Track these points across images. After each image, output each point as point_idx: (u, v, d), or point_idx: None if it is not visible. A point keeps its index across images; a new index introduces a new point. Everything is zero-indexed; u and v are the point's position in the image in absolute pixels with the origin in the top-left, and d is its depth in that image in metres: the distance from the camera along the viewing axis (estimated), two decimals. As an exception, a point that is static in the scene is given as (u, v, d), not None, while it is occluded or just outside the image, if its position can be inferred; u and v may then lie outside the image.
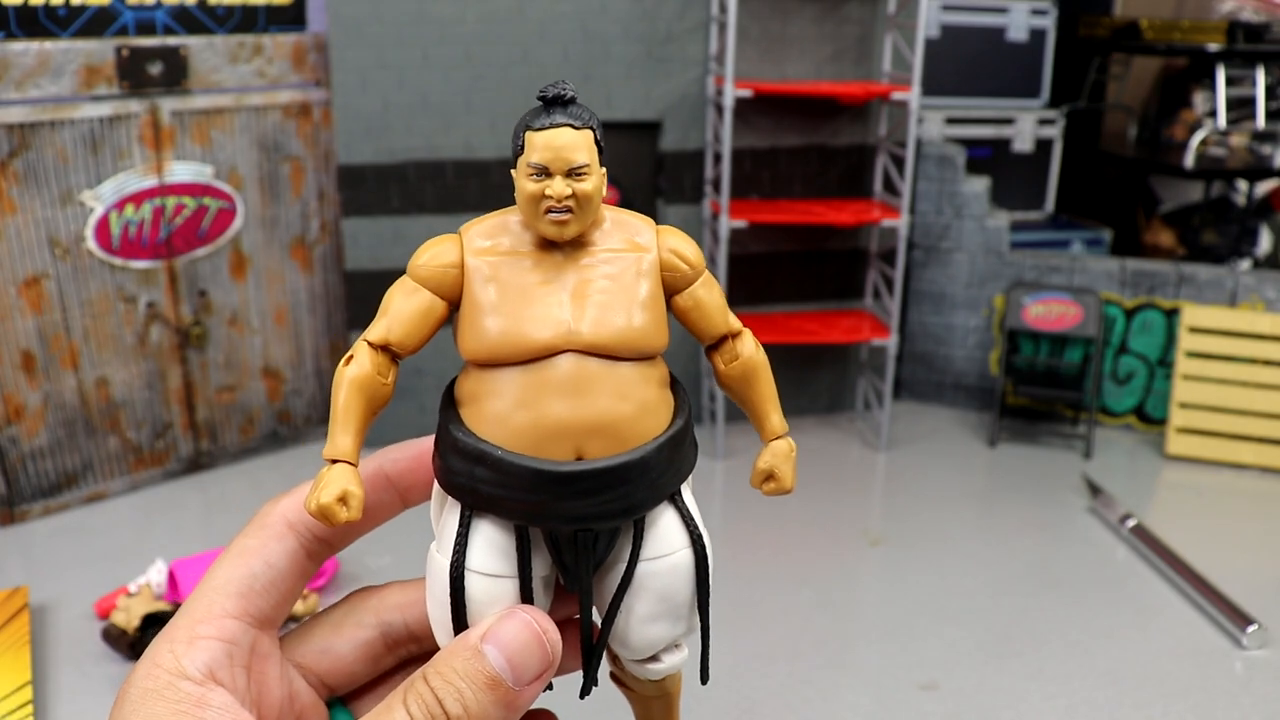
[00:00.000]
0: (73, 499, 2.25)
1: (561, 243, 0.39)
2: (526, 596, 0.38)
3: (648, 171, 2.64)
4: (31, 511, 2.19)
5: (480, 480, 0.37)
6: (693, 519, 0.40)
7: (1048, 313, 2.65)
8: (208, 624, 0.39)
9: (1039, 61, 3.03)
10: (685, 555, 0.40)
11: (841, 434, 2.74)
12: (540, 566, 0.39)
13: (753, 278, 2.71)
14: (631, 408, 0.38)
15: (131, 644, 1.65)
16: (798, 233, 2.72)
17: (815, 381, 2.85)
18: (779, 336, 2.57)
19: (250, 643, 0.40)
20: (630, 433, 0.38)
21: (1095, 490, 2.34)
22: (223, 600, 0.39)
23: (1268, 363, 2.54)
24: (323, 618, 0.44)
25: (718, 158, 2.53)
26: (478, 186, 2.50)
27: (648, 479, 0.38)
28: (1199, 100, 3.11)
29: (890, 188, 2.67)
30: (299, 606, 1.71)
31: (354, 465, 0.38)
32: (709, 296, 0.42)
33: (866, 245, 2.77)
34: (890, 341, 2.56)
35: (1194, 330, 2.60)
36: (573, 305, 0.38)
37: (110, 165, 2.15)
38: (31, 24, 2.03)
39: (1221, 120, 2.96)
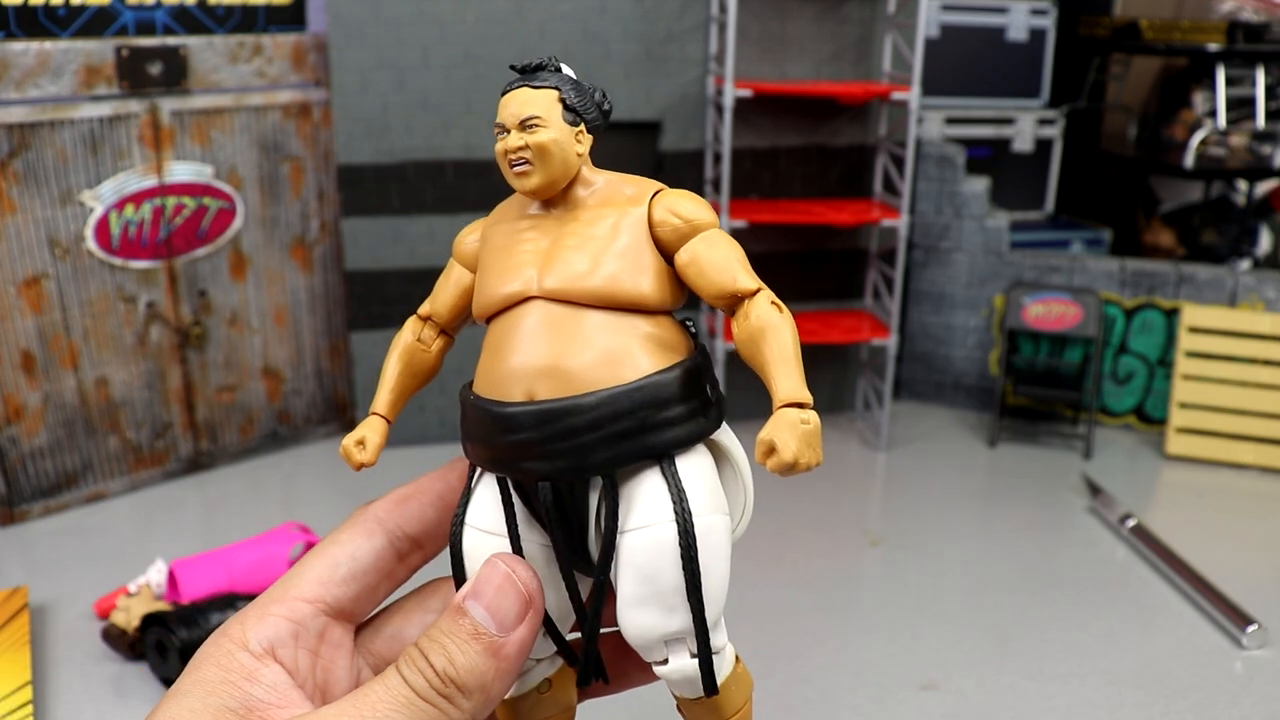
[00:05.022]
0: (73, 499, 2.25)
1: (554, 204, 0.40)
2: (516, 552, 0.38)
3: (647, 172, 2.63)
4: (31, 511, 2.19)
5: (466, 434, 0.39)
6: (681, 491, 0.37)
7: (1048, 313, 2.65)
8: (281, 604, 0.39)
9: (1039, 61, 3.03)
10: (667, 530, 0.37)
11: (841, 434, 2.74)
12: (534, 532, 0.39)
13: (753, 278, 2.71)
14: (592, 355, 0.37)
15: (131, 644, 1.65)
16: (798, 233, 2.72)
17: (815, 381, 2.85)
18: (779, 336, 2.57)
19: (320, 629, 0.40)
20: (583, 379, 0.36)
21: (1095, 490, 2.34)
22: (300, 584, 0.40)
23: (1268, 363, 2.54)
24: (395, 607, 0.45)
25: (718, 158, 2.53)
26: (478, 186, 2.50)
27: (601, 431, 0.36)
28: (1199, 100, 3.11)
29: (890, 188, 2.67)
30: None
31: (385, 418, 0.42)
32: (709, 252, 0.39)
33: (866, 245, 2.77)
34: (890, 341, 2.56)
35: (1194, 330, 2.60)
36: (544, 258, 0.38)
37: (110, 165, 2.15)
38: (31, 24, 2.03)
39: (1221, 120, 2.96)
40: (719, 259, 0.39)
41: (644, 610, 0.37)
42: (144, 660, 1.66)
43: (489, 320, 0.40)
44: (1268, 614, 1.86)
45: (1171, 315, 2.67)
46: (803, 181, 2.69)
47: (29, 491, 2.18)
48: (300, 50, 2.37)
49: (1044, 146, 3.07)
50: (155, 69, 2.18)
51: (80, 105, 2.09)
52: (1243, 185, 3.23)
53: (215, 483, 2.40)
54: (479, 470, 0.39)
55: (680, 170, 2.61)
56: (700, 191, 2.64)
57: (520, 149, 0.39)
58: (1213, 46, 2.87)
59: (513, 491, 0.38)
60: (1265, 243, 3.23)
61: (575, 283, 0.38)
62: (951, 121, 2.96)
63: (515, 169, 0.39)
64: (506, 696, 0.41)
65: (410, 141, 2.42)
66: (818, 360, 2.82)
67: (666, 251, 0.40)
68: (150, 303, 2.27)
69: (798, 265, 2.76)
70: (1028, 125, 3.04)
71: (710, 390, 0.40)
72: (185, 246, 2.30)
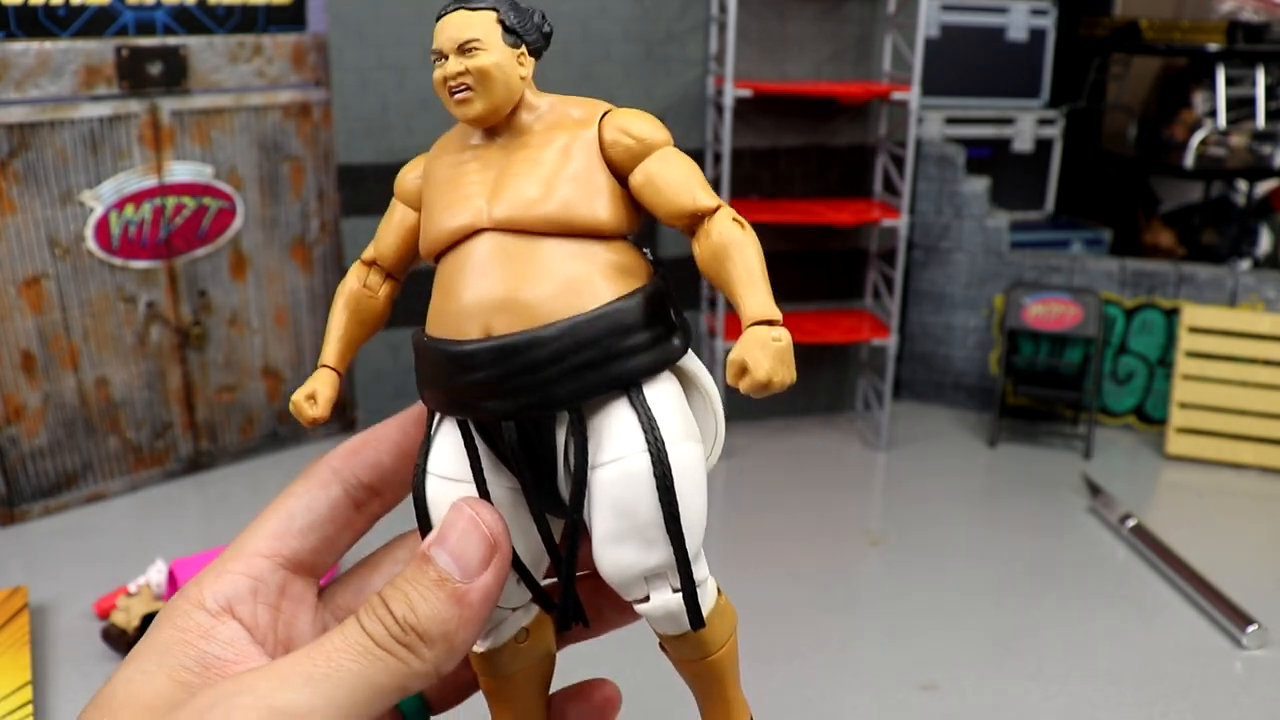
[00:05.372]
0: (73, 499, 2.24)
1: (498, 132, 0.39)
2: (483, 497, 0.37)
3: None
4: (31, 511, 2.19)
5: (422, 379, 0.38)
6: (652, 420, 0.35)
7: (1048, 313, 2.65)
8: (237, 561, 0.38)
9: (1039, 61, 3.03)
10: (640, 461, 0.35)
11: (841, 434, 2.74)
12: (500, 476, 0.37)
13: (753, 278, 2.71)
14: (551, 285, 0.35)
15: (131, 644, 1.65)
16: (798, 233, 2.72)
17: (815, 381, 2.85)
18: (779, 336, 2.56)
19: (280, 583, 0.39)
20: (545, 310, 0.35)
21: (1095, 490, 2.34)
22: (255, 540, 0.39)
23: (1268, 363, 2.54)
24: (364, 561, 0.43)
25: (718, 158, 2.53)
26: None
27: (565, 363, 0.34)
28: (1199, 100, 3.11)
29: (890, 188, 2.67)
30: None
31: (335, 369, 0.40)
32: (665, 170, 0.38)
33: (866, 245, 2.77)
34: (890, 341, 2.56)
35: (1194, 330, 2.60)
36: (492, 188, 0.37)
37: (110, 165, 2.15)
38: (31, 24, 2.02)
39: (1221, 120, 2.96)
40: (676, 177, 0.38)
41: (622, 547, 0.35)
42: (144, 660, 1.66)
43: (438, 258, 0.38)
44: (1268, 614, 1.86)
45: (1171, 315, 2.67)
46: (803, 181, 2.69)
47: (29, 491, 2.18)
48: (300, 50, 2.37)
49: (1044, 146, 3.07)
50: (155, 69, 2.18)
51: (80, 105, 2.09)
52: (1243, 185, 3.23)
53: (215, 483, 2.40)
54: (439, 416, 0.38)
55: (680, 170, 2.61)
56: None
57: (460, 74, 0.37)
58: (1213, 46, 2.87)
59: (475, 435, 0.37)
60: (1265, 243, 3.23)
61: (527, 210, 0.36)
62: (951, 121, 2.96)
63: (456, 96, 0.38)
64: (483, 648, 0.39)
65: (410, 141, 2.42)
66: (818, 360, 2.82)
67: (620, 173, 0.38)
68: (150, 303, 2.27)
69: (798, 265, 2.76)
70: (1028, 125, 3.04)
71: (675, 315, 0.38)
72: (185, 246, 2.30)
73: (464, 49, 0.37)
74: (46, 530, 2.15)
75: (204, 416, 2.42)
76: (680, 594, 0.36)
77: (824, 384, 2.86)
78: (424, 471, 0.37)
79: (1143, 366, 2.72)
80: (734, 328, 2.57)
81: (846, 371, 2.86)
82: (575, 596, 0.38)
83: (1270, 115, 3.00)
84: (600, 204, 0.37)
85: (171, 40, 2.19)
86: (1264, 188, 3.25)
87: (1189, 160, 2.96)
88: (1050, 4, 2.98)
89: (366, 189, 2.43)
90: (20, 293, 2.09)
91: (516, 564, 0.37)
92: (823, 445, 2.68)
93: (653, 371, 0.37)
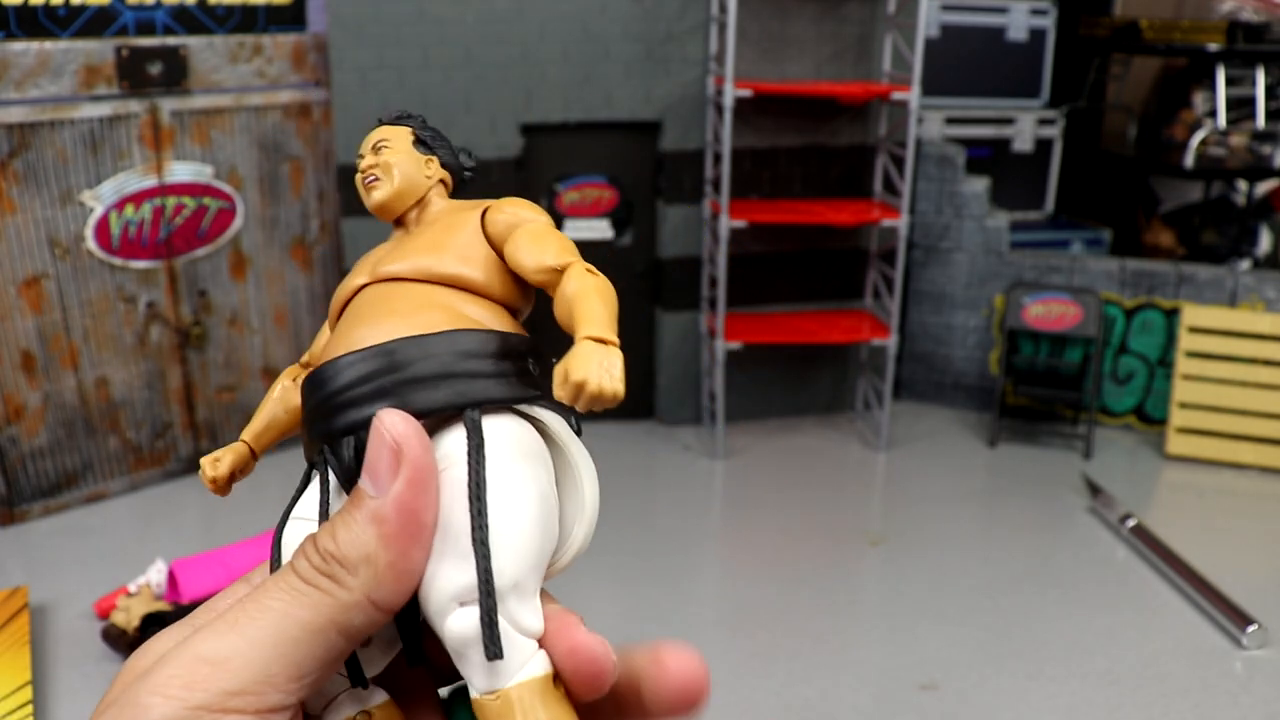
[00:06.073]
0: (73, 499, 2.24)
1: (407, 227, 0.44)
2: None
3: (647, 171, 2.64)
4: (31, 511, 2.19)
5: (303, 425, 0.39)
6: (479, 432, 0.35)
7: (1047, 313, 2.65)
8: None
9: (1039, 61, 3.03)
10: (457, 470, 0.34)
11: (841, 434, 2.74)
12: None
13: (753, 278, 2.71)
14: (408, 310, 0.38)
15: (131, 644, 1.65)
16: (798, 233, 2.72)
17: (815, 381, 2.85)
18: (779, 336, 2.56)
19: None
20: (395, 331, 0.37)
21: (1095, 490, 2.34)
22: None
23: (1268, 363, 2.54)
24: None
25: (718, 158, 2.53)
26: (477, 187, 2.49)
27: (382, 386, 0.36)
28: (1199, 100, 3.11)
29: (890, 188, 2.67)
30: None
31: (249, 445, 0.44)
32: (529, 236, 0.40)
33: (866, 245, 2.77)
34: (890, 341, 2.56)
35: (1194, 330, 2.60)
36: (387, 258, 0.42)
37: (110, 165, 2.15)
38: (31, 24, 2.02)
39: (1221, 120, 2.96)
40: (538, 241, 0.40)
41: (438, 563, 0.34)
42: (144, 660, 1.66)
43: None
44: (1268, 614, 1.86)
45: (1171, 315, 2.67)
46: (803, 181, 2.69)
47: (29, 491, 2.18)
48: (300, 50, 2.37)
49: (1044, 146, 3.07)
50: (155, 69, 2.17)
51: (80, 105, 2.09)
52: (1243, 185, 3.23)
53: (215, 483, 2.40)
54: (308, 470, 0.39)
55: (680, 170, 2.61)
56: (700, 191, 2.64)
57: (371, 166, 0.44)
58: (1213, 46, 2.87)
59: (330, 472, 0.37)
60: (1265, 243, 3.23)
61: (404, 262, 0.41)
62: (951, 121, 2.96)
63: (366, 184, 0.44)
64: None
65: (410, 141, 2.42)
66: (818, 360, 2.82)
67: (497, 246, 0.41)
68: (150, 303, 2.27)
69: (798, 265, 2.76)
70: (1028, 125, 3.04)
71: (533, 365, 0.39)
72: (185, 246, 2.30)
73: (376, 148, 0.45)
74: (46, 530, 2.15)
75: (204, 416, 2.42)
76: (473, 618, 0.33)
77: (824, 384, 2.86)
78: (285, 520, 0.37)
79: (1143, 366, 2.72)
80: (733, 329, 2.57)
81: (846, 371, 2.86)
82: (419, 627, 0.36)
83: (1270, 115, 3.00)
84: (471, 263, 0.41)
85: (171, 40, 2.19)
86: (1264, 188, 3.25)
87: (1189, 160, 2.96)
88: (1050, 4, 2.98)
89: (366, 189, 2.43)
90: (20, 293, 2.09)
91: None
92: (823, 445, 2.68)
93: (493, 399, 0.37)
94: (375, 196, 0.43)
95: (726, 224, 2.44)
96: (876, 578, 2.05)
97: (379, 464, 0.33)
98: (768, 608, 1.91)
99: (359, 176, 0.44)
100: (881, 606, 1.94)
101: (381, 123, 0.47)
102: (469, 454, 0.35)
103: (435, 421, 0.36)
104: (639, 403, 2.79)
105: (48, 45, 2.04)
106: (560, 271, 0.40)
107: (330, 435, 0.37)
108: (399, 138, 0.45)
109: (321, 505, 0.37)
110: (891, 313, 2.56)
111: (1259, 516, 2.34)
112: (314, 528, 0.36)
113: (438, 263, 0.41)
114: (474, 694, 0.34)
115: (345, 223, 2.44)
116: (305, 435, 0.39)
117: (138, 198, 2.20)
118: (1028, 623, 1.88)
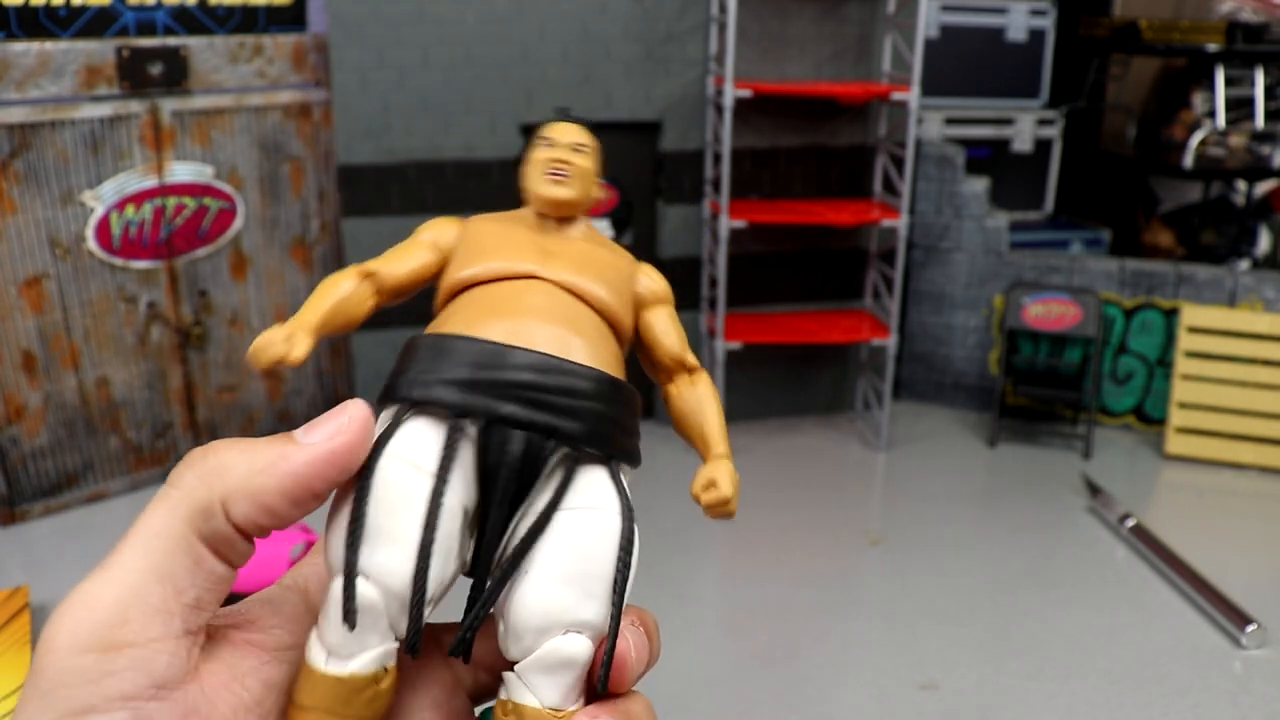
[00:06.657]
0: (73, 499, 2.25)
1: (546, 226, 0.44)
2: (437, 496, 0.35)
3: (647, 171, 2.65)
4: (32, 511, 2.19)
5: (423, 372, 0.37)
6: (627, 495, 0.38)
7: (1047, 313, 2.65)
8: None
9: (1038, 61, 3.03)
10: (613, 517, 0.37)
11: (841, 434, 2.74)
12: (463, 491, 0.36)
13: (753, 278, 2.71)
14: (593, 341, 0.39)
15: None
16: (798, 233, 2.72)
17: (815, 381, 2.85)
18: (779, 336, 2.57)
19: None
20: (581, 354, 0.38)
21: (1095, 490, 2.34)
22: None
23: (1267, 363, 2.54)
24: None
25: (717, 158, 2.53)
26: (478, 187, 2.50)
27: (589, 404, 0.37)
28: (1198, 100, 3.11)
29: (890, 188, 2.67)
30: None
31: (310, 334, 0.40)
32: (671, 321, 0.44)
33: (866, 245, 2.77)
34: (890, 341, 2.56)
35: (1193, 330, 2.60)
36: (545, 255, 0.42)
37: (111, 165, 2.15)
38: (32, 24, 2.03)
39: (1221, 120, 2.97)
40: (677, 330, 0.45)
41: (563, 588, 0.35)
42: (145, 660, 1.66)
43: (467, 287, 0.41)
44: (1267, 614, 1.86)
45: (1171, 315, 2.67)
46: (803, 182, 2.70)
47: (30, 491, 2.19)
48: (300, 50, 2.37)
49: (1044, 147, 3.07)
50: (156, 69, 2.18)
51: (81, 105, 2.09)
52: (1242, 185, 3.23)
53: (215, 483, 2.40)
54: (410, 416, 0.37)
55: (680, 170, 2.61)
56: (700, 191, 2.65)
57: (567, 162, 0.43)
58: (1212, 47, 2.88)
59: (459, 438, 0.36)
60: (1264, 243, 3.23)
61: (581, 280, 0.41)
62: (951, 122, 2.96)
63: (552, 175, 0.43)
64: (343, 671, 0.35)
65: (410, 142, 2.43)
66: (818, 360, 2.82)
67: (634, 306, 0.44)
68: (151, 303, 2.27)
69: (798, 265, 2.76)
70: (1027, 125, 3.04)
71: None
72: (186, 246, 2.30)
73: (576, 148, 0.44)
74: (47, 530, 2.15)
75: (204, 416, 2.42)
76: (586, 645, 0.36)
77: (824, 384, 2.86)
78: (381, 451, 0.36)
79: (1142, 366, 2.73)
80: (733, 329, 2.57)
81: (846, 371, 2.86)
82: (476, 622, 0.37)
83: (1269, 115, 3.00)
84: (627, 311, 0.43)
85: (172, 40, 2.19)
86: (1263, 188, 3.25)
87: (1188, 160, 2.96)
88: (1050, 4, 2.98)
89: (366, 189, 2.43)
90: (21, 293, 2.09)
91: (417, 589, 0.35)
92: (823, 445, 2.68)
93: (633, 461, 0.40)
94: (559, 193, 0.43)
95: (726, 224, 2.44)
96: (876, 578, 2.06)
97: (327, 420, 0.33)
98: (768, 608, 1.91)
99: (545, 163, 0.43)
100: (881, 606, 1.95)
101: (569, 118, 0.46)
102: (622, 510, 0.38)
103: (565, 456, 0.38)
104: (639, 403, 2.80)
105: (48, 45, 2.04)
106: (688, 370, 0.45)
107: (496, 416, 0.37)
108: (594, 151, 0.45)
109: (443, 466, 0.36)
110: (891, 313, 2.56)
111: (1258, 516, 2.34)
112: (420, 480, 0.36)
113: (611, 298, 0.42)
114: (535, 704, 0.36)
115: (345, 223, 2.44)
116: (448, 387, 0.37)
117: (138, 198, 2.20)
118: (1027, 622, 1.88)
